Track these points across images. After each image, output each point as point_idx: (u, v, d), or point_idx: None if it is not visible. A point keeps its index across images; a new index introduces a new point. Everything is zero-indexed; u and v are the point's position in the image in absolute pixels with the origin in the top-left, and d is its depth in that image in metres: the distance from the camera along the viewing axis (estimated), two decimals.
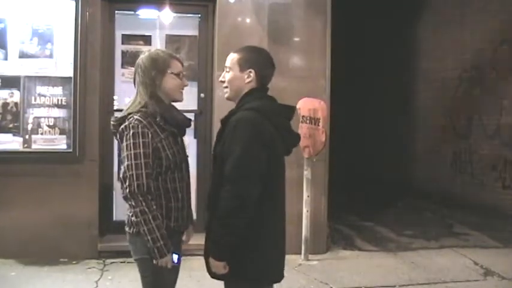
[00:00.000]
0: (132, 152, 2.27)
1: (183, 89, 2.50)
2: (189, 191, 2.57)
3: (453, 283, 4.67)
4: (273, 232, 2.35)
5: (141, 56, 2.48)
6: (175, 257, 2.38)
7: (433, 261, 5.31)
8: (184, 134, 2.57)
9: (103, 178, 5.23)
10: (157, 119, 2.35)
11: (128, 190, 2.27)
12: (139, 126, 2.28)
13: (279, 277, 2.43)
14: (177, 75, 2.44)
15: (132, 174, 2.25)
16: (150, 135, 2.29)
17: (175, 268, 2.51)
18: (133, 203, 2.27)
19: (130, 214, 2.37)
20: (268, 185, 2.25)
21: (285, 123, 2.42)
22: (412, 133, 10.67)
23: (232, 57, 2.41)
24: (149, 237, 2.27)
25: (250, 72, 2.36)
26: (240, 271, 2.29)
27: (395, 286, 4.60)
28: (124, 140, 2.31)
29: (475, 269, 5.09)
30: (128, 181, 2.27)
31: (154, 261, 2.31)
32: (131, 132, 2.28)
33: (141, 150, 2.27)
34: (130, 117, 2.33)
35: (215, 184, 2.32)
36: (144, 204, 2.25)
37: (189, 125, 2.58)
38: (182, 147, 2.51)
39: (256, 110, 2.26)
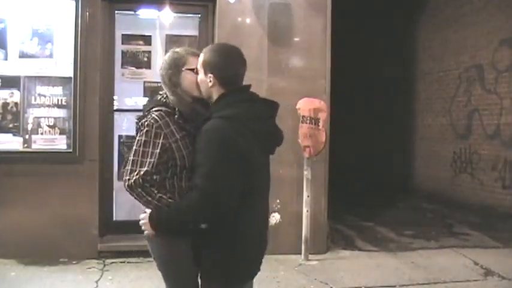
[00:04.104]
0: (140, 149, 2.32)
1: None
2: None
3: (453, 283, 4.67)
4: (248, 238, 2.30)
5: (163, 57, 2.53)
6: None
7: (433, 261, 5.31)
8: None
9: (103, 178, 5.22)
10: (176, 117, 2.37)
11: (126, 184, 2.32)
12: (154, 126, 2.32)
13: (250, 277, 2.43)
14: (193, 70, 2.41)
15: (132, 170, 2.31)
16: (162, 136, 2.31)
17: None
18: (134, 196, 2.32)
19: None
20: (245, 194, 2.20)
21: (266, 126, 2.31)
22: (412, 133, 10.67)
23: (199, 59, 2.34)
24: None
25: (210, 76, 2.27)
26: (212, 272, 2.30)
27: (395, 286, 4.59)
28: (138, 135, 2.37)
29: (475, 269, 5.08)
30: (127, 175, 2.32)
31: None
32: (145, 130, 2.33)
33: (149, 150, 2.31)
34: (149, 115, 2.38)
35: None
36: (144, 193, 2.29)
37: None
38: None
39: (226, 119, 2.17)
